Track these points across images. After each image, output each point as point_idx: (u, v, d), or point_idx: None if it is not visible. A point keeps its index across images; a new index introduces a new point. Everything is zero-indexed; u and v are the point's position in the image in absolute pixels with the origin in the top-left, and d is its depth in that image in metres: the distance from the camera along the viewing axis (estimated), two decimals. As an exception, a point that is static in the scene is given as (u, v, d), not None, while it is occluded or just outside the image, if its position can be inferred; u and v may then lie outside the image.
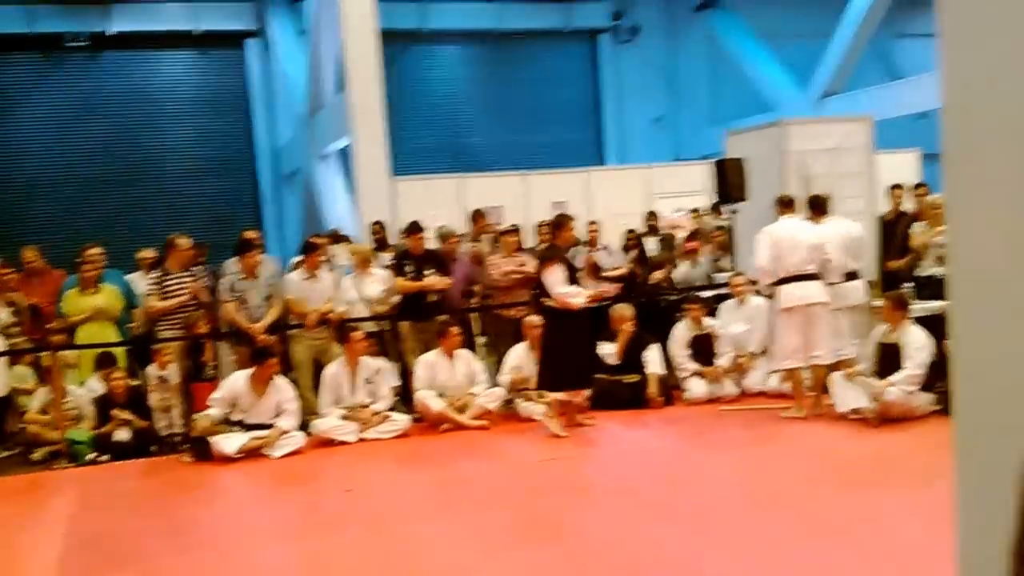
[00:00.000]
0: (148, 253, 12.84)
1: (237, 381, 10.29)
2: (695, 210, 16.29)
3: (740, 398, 11.35)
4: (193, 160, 25.09)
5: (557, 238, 10.30)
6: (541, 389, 10.34)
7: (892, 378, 9.46)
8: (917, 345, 9.47)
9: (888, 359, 9.70)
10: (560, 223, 10.36)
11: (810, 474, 8.07)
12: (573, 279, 9.95)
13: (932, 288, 11.09)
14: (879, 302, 10.40)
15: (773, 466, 8.51)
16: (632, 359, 11.27)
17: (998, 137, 2.43)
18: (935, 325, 9.49)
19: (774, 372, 10.97)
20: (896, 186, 13.82)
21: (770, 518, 6.90)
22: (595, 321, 10.81)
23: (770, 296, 10.53)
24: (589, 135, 28.47)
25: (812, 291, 10.06)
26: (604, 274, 12.92)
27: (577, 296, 9.81)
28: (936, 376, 9.46)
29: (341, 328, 11.16)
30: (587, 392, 10.43)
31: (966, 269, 2.62)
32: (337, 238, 14.39)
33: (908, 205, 13.66)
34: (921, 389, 9.51)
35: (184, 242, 11.52)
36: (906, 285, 11.29)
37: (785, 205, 10.44)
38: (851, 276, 10.97)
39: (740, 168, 12.34)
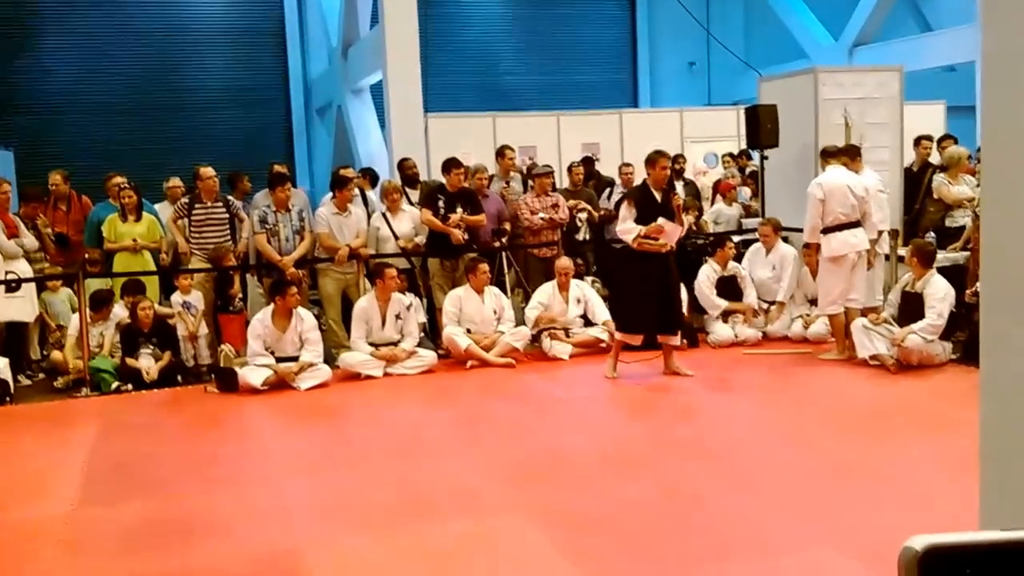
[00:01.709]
0: (176, 183, 12.91)
1: (264, 319, 10.33)
2: (729, 155, 16.29)
3: (763, 342, 11.44)
4: (224, 91, 25.03)
5: (648, 176, 9.92)
6: (617, 331, 10.26)
7: (913, 326, 9.57)
8: (939, 295, 9.57)
9: (910, 307, 9.81)
10: (649, 159, 9.91)
11: (829, 418, 8.16)
12: (660, 217, 9.68)
13: (957, 239, 11.21)
14: (903, 251, 10.45)
15: (793, 409, 8.64)
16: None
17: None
18: (957, 275, 9.57)
19: (820, 315, 11.01)
20: (924, 137, 13.76)
21: (787, 458, 7.02)
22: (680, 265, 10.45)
23: (810, 246, 10.64)
24: (623, 77, 28.41)
25: (859, 238, 10.20)
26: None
27: (630, 233, 9.69)
28: (956, 326, 9.61)
29: (374, 266, 11.16)
30: (675, 339, 10.14)
31: (1000, 220, 2.62)
32: (367, 174, 14.39)
33: (935, 157, 13.61)
34: (940, 338, 9.64)
35: (207, 171, 11.56)
36: (929, 235, 11.33)
37: (832, 155, 10.58)
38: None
39: (773, 115, 12.32)
